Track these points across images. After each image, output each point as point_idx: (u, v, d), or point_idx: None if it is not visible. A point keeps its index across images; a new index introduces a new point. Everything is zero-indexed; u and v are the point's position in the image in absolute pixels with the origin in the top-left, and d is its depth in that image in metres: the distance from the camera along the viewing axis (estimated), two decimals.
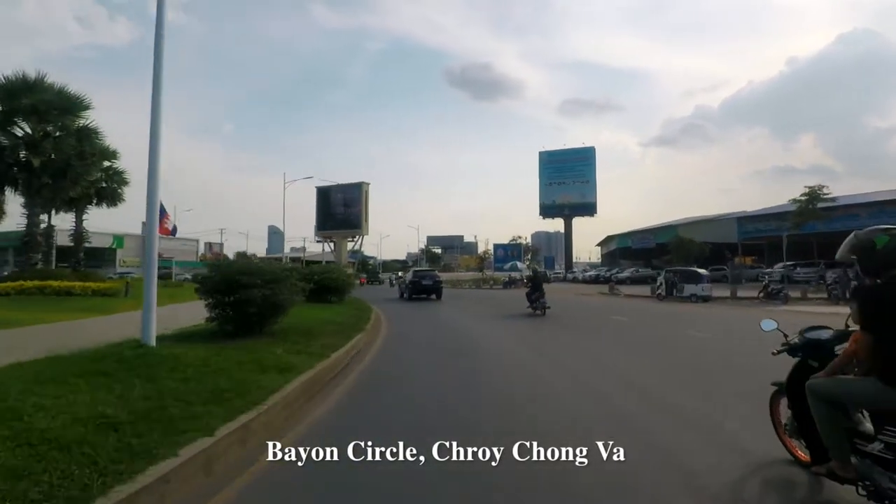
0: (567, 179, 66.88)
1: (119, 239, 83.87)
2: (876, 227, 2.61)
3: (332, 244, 71.39)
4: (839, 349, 2.79)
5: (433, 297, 23.68)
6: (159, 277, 7.33)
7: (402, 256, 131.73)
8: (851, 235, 2.65)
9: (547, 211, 67.62)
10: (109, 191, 23.90)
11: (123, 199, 24.68)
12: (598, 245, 71.22)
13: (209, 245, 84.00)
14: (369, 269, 69.32)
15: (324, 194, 70.14)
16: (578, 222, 65.85)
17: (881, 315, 2.35)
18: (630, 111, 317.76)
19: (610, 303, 22.46)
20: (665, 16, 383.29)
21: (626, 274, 40.16)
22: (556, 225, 72.24)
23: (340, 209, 68.12)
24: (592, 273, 48.84)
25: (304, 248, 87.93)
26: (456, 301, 23.26)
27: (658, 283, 23.97)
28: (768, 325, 3.54)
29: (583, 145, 67.69)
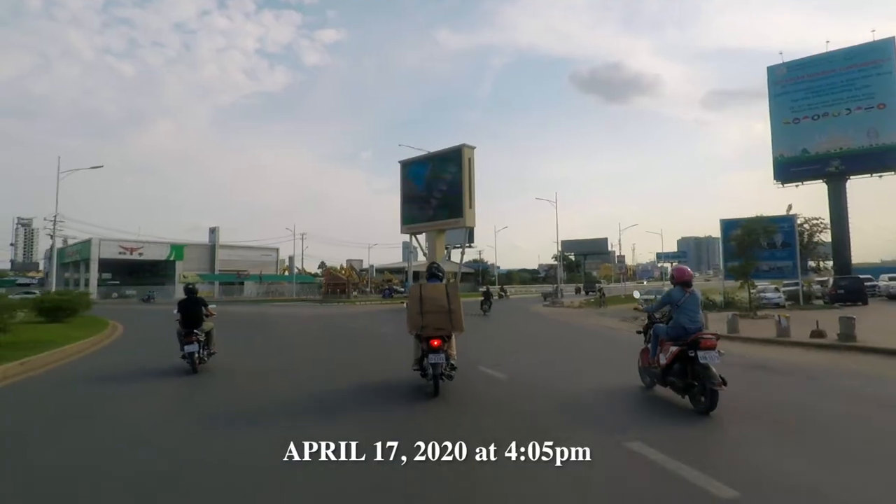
0: (834, 107, 35.75)
1: (178, 248, 69.37)
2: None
3: (420, 244, 47.90)
4: None
5: None
6: None
7: (535, 266, 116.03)
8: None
9: (791, 170, 36.91)
10: None
11: None
12: None
13: (290, 259, 67.33)
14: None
15: (408, 171, 47.41)
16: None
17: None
18: None
19: None
20: None
21: None
22: (800, 194, 40.89)
23: (431, 189, 44.57)
24: None
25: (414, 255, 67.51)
26: None
27: None
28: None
29: (872, 36, 35.79)
